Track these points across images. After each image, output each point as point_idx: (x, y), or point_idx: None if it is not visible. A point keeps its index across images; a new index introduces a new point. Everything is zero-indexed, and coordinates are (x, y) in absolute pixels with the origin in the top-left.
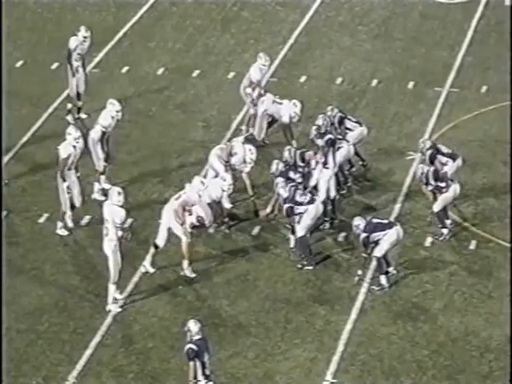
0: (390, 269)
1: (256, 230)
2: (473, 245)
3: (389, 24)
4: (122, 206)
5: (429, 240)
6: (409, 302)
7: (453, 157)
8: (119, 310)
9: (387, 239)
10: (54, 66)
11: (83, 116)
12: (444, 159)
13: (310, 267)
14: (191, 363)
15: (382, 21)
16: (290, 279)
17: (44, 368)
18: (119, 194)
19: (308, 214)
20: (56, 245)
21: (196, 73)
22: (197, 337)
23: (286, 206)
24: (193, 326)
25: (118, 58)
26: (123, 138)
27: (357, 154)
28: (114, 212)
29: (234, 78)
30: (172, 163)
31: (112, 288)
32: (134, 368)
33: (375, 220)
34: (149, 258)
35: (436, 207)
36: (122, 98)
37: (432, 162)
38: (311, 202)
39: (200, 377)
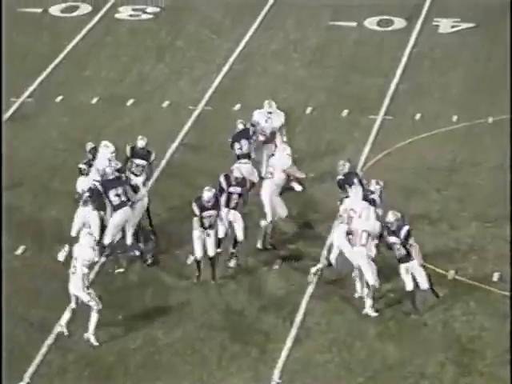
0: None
1: (191, 259)
2: None
3: (323, 51)
4: (92, 248)
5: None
6: (344, 328)
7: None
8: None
9: None
10: None
11: None
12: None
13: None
14: None
15: (316, 48)
16: (224, 307)
17: None
18: (90, 235)
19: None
20: None
21: (130, 102)
22: None
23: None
24: None
25: (52, 87)
26: (59, 167)
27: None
28: (83, 251)
29: (168, 106)
30: None
31: (95, 317)
32: None
33: None
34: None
35: None
36: (57, 128)
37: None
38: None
39: None
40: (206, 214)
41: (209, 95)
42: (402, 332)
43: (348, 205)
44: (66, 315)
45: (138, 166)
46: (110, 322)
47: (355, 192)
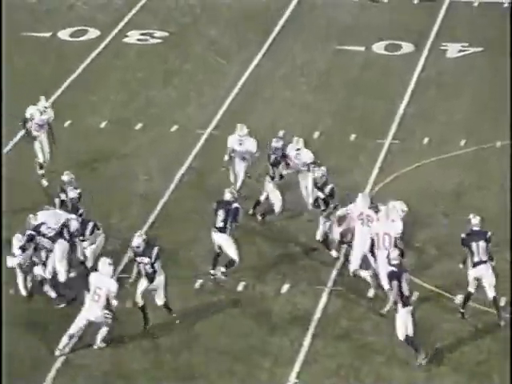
0: None
1: (198, 283)
2: (415, 296)
3: (330, 75)
4: (114, 278)
5: (372, 291)
6: (352, 353)
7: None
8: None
9: None
10: None
11: (45, 183)
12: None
13: None
14: None
15: (324, 72)
16: (232, 331)
17: None
18: (110, 265)
19: None
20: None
21: (139, 126)
22: None
23: None
24: None
25: (61, 111)
26: None
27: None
28: (108, 284)
29: (176, 130)
30: (114, 215)
31: (106, 329)
32: None
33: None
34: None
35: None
36: (65, 152)
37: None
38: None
39: None
40: (138, 259)
41: (217, 119)
42: (409, 357)
43: (362, 209)
44: (65, 340)
45: (72, 199)
46: (117, 346)
47: (363, 195)
